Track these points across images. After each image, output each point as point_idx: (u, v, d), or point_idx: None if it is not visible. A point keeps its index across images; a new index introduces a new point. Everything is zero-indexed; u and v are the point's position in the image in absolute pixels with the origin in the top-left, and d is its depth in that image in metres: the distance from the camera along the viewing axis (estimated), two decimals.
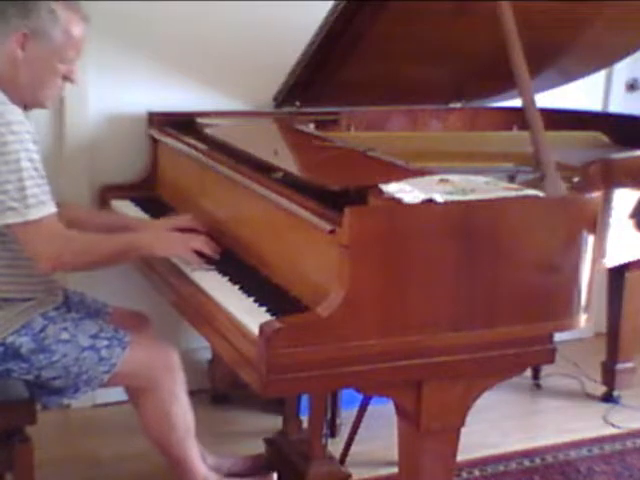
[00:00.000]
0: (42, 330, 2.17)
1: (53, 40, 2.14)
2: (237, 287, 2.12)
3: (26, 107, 2.19)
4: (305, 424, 2.62)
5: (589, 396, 3.42)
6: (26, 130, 2.07)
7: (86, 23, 2.22)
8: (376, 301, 1.80)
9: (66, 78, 2.22)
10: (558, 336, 2.02)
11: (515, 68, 2.21)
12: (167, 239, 2.33)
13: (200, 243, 2.27)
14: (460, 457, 2.08)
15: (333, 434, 2.86)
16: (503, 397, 3.29)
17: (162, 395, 2.30)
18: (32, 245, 2.10)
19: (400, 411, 1.98)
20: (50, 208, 2.10)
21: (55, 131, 2.99)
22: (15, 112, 2.09)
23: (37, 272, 2.21)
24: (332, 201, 1.94)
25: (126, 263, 2.50)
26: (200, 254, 2.26)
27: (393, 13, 2.65)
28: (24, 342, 2.15)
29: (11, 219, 2.05)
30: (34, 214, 2.06)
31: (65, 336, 2.18)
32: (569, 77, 3.30)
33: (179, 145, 2.79)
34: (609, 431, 3.15)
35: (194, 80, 3.12)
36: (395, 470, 2.10)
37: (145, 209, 2.80)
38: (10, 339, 2.14)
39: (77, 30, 2.18)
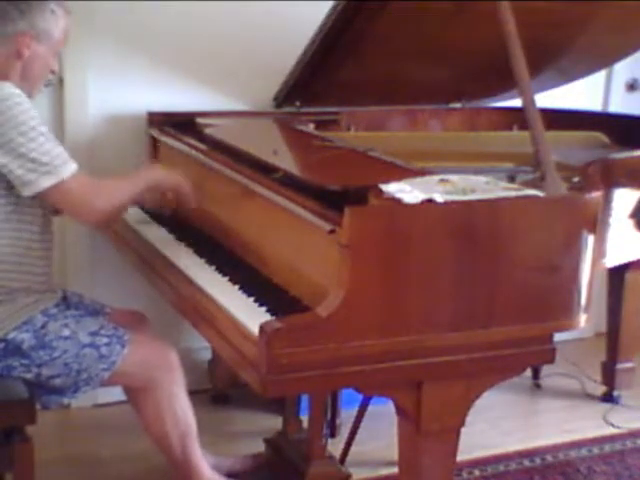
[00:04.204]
0: (43, 326, 2.18)
1: (53, 38, 2.23)
2: (237, 287, 2.12)
3: None
4: (305, 424, 2.62)
5: (589, 396, 3.42)
6: (26, 100, 2.14)
7: (69, 15, 2.29)
8: (376, 301, 1.80)
9: (52, 70, 2.31)
10: (558, 336, 2.02)
11: (515, 68, 2.21)
12: (173, 174, 2.50)
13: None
14: (460, 457, 2.08)
15: (333, 434, 2.86)
16: (503, 397, 3.29)
17: (162, 394, 2.30)
18: (72, 202, 2.19)
19: (400, 411, 1.98)
20: (73, 164, 2.18)
21: (55, 131, 2.98)
22: (10, 85, 2.14)
23: (41, 263, 2.24)
24: (332, 201, 1.94)
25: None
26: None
27: (393, 13, 2.65)
28: (25, 338, 2.15)
29: (48, 182, 2.12)
30: (65, 172, 2.14)
31: (66, 332, 2.19)
32: (569, 77, 3.30)
33: (179, 145, 2.79)
34: (609, 431, 3.14)
35: (194, 80, 3.12)
36: (395, 470, 2.10)
37: (145, 209, 2.79)
38: (11, 335, 2.15)
39: (66, 24, 2.27)
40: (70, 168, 2.15)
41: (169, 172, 2.53)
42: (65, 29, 2.26)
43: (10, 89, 2.12)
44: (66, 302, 2.37)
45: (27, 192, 2.13)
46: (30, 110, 2.12)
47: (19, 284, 2.20)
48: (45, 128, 2.14)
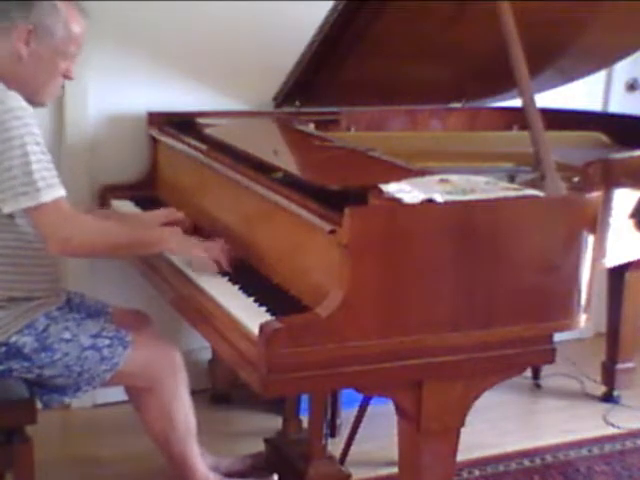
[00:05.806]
0: (45, 329, 2.17)
1: (56, 36, 2.16)
2: (237, 287, 2.12)
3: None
4: (305, 424, 2.62)
5: (589, 396, 3.41)
6: (29, 114, 2.08)
7: (85, 19, 2.24)
8: (376, 301, 1.80)
9: (65, 76, 2.24)
10: (558, 336, 2.02)
11: (515, 68, 2.21)
12: (185, 241, 2.29)
13: (217, 252, 2.23)
14: (460, 457, 2.08)
15: (333, 434, 2.86)
16: (503, 397, 3.29)
17: (164, 394, 2.30)
18: (44, 227, 2.09)
19: (400, 411, 1.98)
20: (60, 191, 2.10)
21: (55, 131, 2.99)
22: (16, 97, 2.08)
23: (42, 270, 2.22)
24: (332, 201, 1.94)
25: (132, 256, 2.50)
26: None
27: (393, 13, 2.65)
28: (27, 342, 2.14)
29: (25, 204, 2.05)
30: (45, 197, 2.05)
31: (67, 335, 2.18)
32: (569, 77, 3.30)
33: (179, 145, 2.79)
34: (609, 431, 3.14)
35: (194, 80, 3.12)
36: (395, 470, 2.10)
37: (145, 209, 2.79)
38: (14, 338, 2.14)
39: (77, 26, 2.20)
40: (51, 194, 2.06)
41: (185, 244, 2.27)
42: (73, 29, 2.17)
43: (15, 102, 2.06)
44: (69, 304, 2.37)
45: (5, 209, 2.06)
46: (28, 126, 2.05)
47: (20, 293, 2.18)
48: (39, 148, 2.06)
